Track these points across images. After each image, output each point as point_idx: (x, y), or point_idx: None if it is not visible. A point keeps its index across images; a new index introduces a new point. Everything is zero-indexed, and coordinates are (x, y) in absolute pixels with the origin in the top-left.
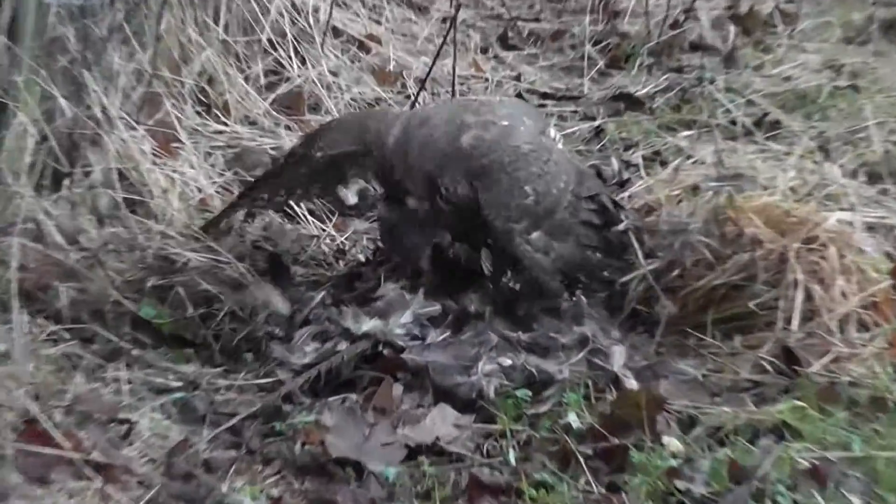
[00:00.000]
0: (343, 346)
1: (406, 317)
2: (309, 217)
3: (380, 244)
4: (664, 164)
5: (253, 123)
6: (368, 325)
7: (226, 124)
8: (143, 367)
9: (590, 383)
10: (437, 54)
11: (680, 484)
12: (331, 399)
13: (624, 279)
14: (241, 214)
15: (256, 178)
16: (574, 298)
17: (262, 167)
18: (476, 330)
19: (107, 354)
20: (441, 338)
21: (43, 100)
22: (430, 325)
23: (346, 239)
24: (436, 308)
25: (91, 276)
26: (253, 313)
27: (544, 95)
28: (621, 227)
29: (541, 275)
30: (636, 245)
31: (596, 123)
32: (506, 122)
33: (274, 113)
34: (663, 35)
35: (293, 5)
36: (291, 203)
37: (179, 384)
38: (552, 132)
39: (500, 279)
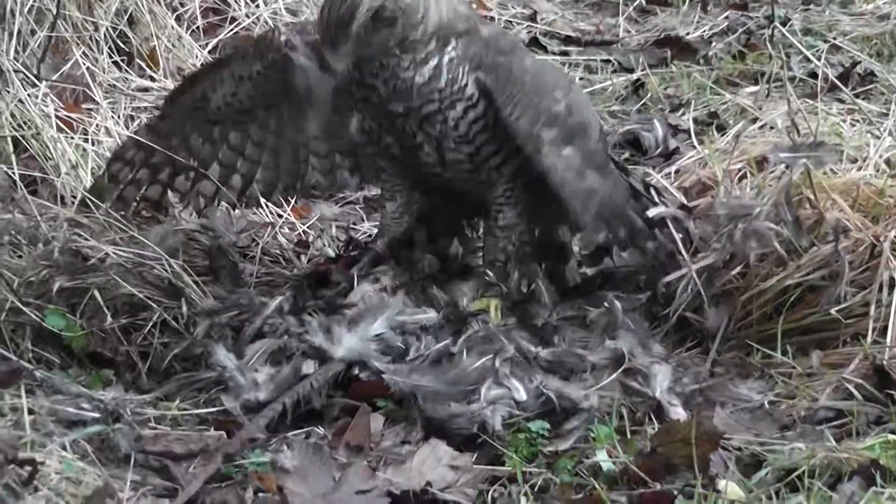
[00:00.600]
0: (308, 367)
1: (380, 325)
2: (261, 199)
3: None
4: (722, 129)
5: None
6: (347, 343)
7: (152, 79)
8: (50, 392)
9: (625, 412)
10: None
11: None
12: (291, 434)
13: (668, 279)
14: (154, 193)
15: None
16: (606, 304)
17: None
18: (486, 331)
19: (3, 377)
20: (434, 350)
21: None
22: (416, 335)
23: (309, 228)
24: (426, 315)
25: None
26: (190, 323)
27: (567, 40)
28: (653, 212)
29: (572, 197)
30: (676, 236)
31: (634, 76)
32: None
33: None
34: None
35: None
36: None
37: (96, 415)
38: None
39: (505, 268)
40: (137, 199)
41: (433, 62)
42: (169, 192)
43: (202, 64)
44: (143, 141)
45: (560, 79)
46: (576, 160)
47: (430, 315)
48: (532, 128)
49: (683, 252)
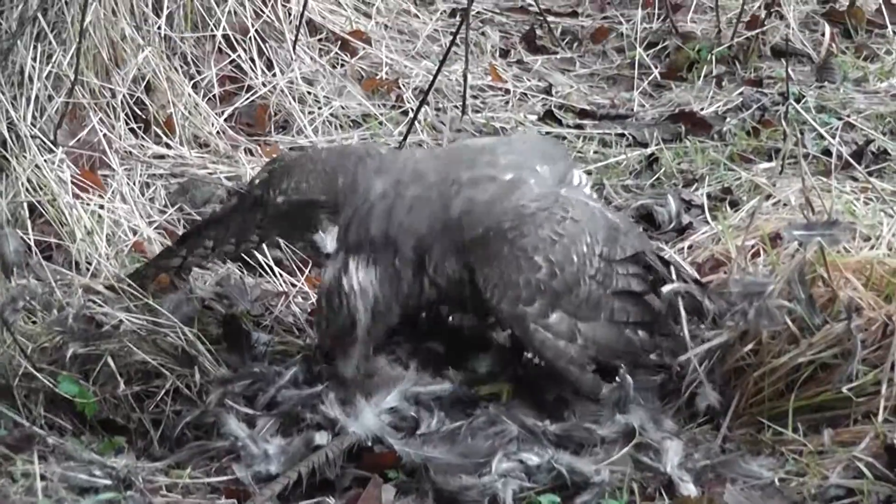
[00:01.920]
0: (320, 438)
1: (394, 398)
2: (275, 268)
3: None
4: (735, 205)
5: (203, 145)
6: (363, 417)
7: (168, 146)
8: (62, 458)
9: (636, 488)
10: (444, 58)
11: None
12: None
13: (682, 359)
14: (174, 260)
15: (199, 222)
16: (617, 379)
17: (215, 203)
18: (489, 416)
19: (15, 442)
20: (444, 428)
21: None
22: (429, 408)
23: None
24: (440, 386)
25: None
26: (203, 392)
27: (582, 114)
28: (667, 289)
29: (567, 367)
30: (683, 315)
31: (648, 151)
32: (509, 176)
33: (230, 132)
34: (737, 36)
35: None
36: (243, 251)
37: (108, 482)
38: (577, 177)
39: (520, 353)
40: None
41: (426, 281)
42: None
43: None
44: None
45: (541, 229)
46: (563, 324)
47: (444, 386)
48: (514, 308)
49: (685, 328)
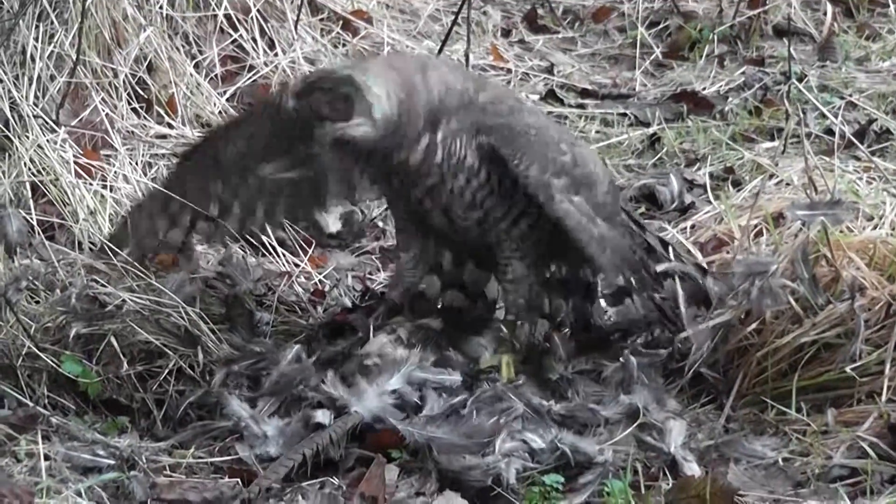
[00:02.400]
0: (321, 417)
1: (398, 380)
2: (278, 248)
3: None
4: (738, 184)
5: (206, 125)
6: (365, 397)
7: (170, 126)
8: (66, 438)
9: (639, 468)
10: (446, 38)
11: None
12: (306, 483)
13: (684, 335)
14: (175, 237)
15: (201, 138)
16: (621, 359)
17: None
18: (496, 391)
19: (19, 422)
20: (447, 405)
21: None
22: (434, 390)
23: (325, 277)
24: (448, 377)
25: None
26: (206, 371)
27: (584, 93)
28: (661, 267)
29: (589, 241)
30: (681, 294)
31: (651, 130)
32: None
33: (232, 112)
34: (739, 16)
35: None
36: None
37: (111, 461)
38: None
39: (517, 322)
40: (158, 244)
41: (424, 141)
42: (192, 235)
43: (214, 126)
44: (162, 190)
45: (563, 134)
46: (584, 208)
47: (453, 377)
48: (542, 175)
49: (683, 311)
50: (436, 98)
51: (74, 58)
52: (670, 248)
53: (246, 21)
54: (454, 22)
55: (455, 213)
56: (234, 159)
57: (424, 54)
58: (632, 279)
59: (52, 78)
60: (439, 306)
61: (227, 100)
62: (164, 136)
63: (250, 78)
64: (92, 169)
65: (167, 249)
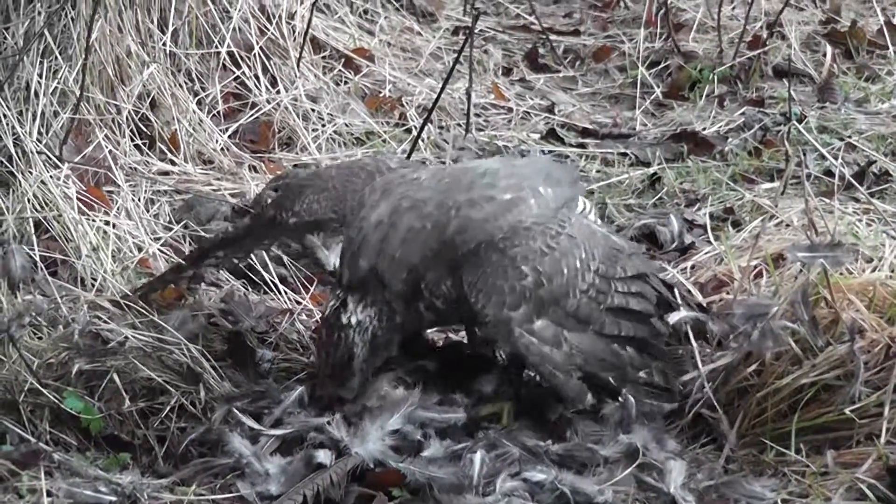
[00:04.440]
0: (322, 456)
1: (398, 420)
2: (280, 286)
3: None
4: (738, 225)
5: (208, 162)
6: (367, 439)
7: (173, 163)
8: (68, 474)
9: None
10: (448, 76)
11: None
12: None
13: (682, 379)
14: (184, 275)
15: (209, 242)
16: (620, 399)
17: (220, 219)
18: (490, 439)
19: (21, 458)
20: (448, 450)
21: None
22: (436, 432)
23: None
24: (452, 415)
25: (1, 358)
26: (208, 409)
27: (584, 132)
28: (673, 318)
29: (553, 372)
30: (693, 341)
31: (651, 170)
32: (508, 196)
33: (235, 149)
34: (739, 56)
35: (261, 9)
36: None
37: (113, 498)
38: (582, 203)
39: (521, 372)
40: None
41: (422, 305)
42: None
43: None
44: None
45: (533, 241)
46: (548, 331)
47: (458, 415)
48: (500, 312)
49: (696, 352)
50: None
51: (78, 94)
52: (675, 291)
53: (248, 58)
54: (456, 60)
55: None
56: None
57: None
58: (609, 378)
59: (56, 114)
60: (440, 346)
61: (230, 136)
62: (166, 173)
63: (252, 115)
64: (95, 205)
65: (172, 282)
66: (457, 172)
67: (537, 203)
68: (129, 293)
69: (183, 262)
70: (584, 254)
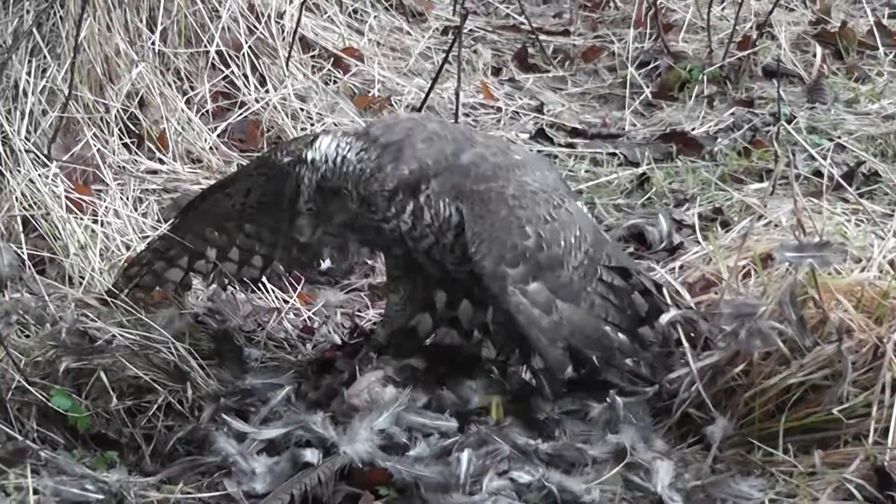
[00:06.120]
0: (309, 455)
1: (385, 420)
2: (267, 284)
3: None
4: (727, 225)
5: (196, 161)
6: (355, 439)
7: (161, 161)
8: (55, 472)
9: None
10: (437, 76)
11: None
12: None
13: (671, 376)
14: (174, 276)
15: (195, 197)
16: (608, 399)
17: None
18: (480, 435)
19: (8, 456)
20: (436, 448)
21: None
22: (424, 436)
23: (314, 314)
24: (444, 423)
25: None
26: (195, 407)
27: (573, 132)
28: (665, 318)
29: (538, 336)
30: (685, 341)
31: (640, 170)
32: (519, 157)
33: (223, 148)
34: (729, 57)
35: (250, 8)
36: (244, 265)
37: (100, 496)
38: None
39: (508, 364)
40: (156, 283)
41: (409, 207)
42: (190, 274)
43: (210, 185)
44: (170, 235)
45: (538, 206)
46: (542, 295)
47: (450, 424)
48: (497, 266)
49: (688, 351)
50: (405, 171)
51: (67, 93)
52: (664, 291)
53: (237, 57)
54: (445, 60)
55: (448, 266)
56: (230, 213)
57: (412, 117)
58: (593, 357)
59: (45, 112)
60: (428, 343)
61: (218, 135)
62: (155, 172)
63: (241, 114)
64: (83, 203)
65: (164, 282)
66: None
67: (542, 176)
68: (115, 285)
69: (174, 224)
70: (579, 232)
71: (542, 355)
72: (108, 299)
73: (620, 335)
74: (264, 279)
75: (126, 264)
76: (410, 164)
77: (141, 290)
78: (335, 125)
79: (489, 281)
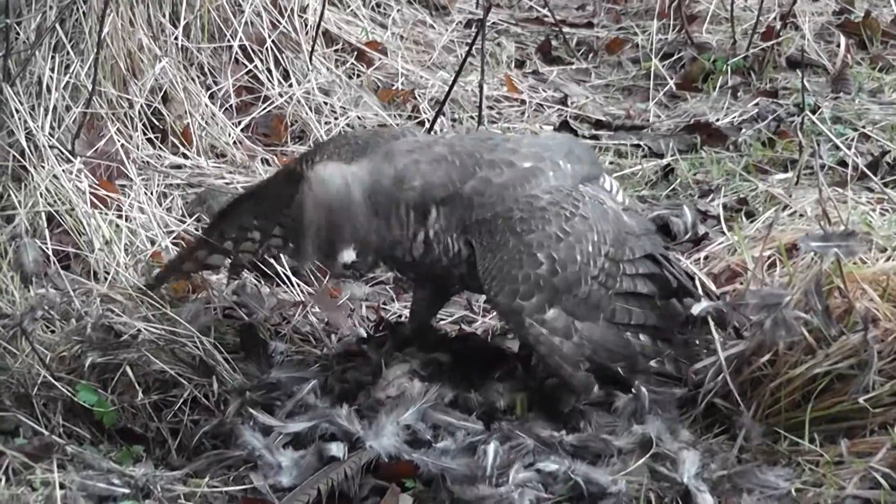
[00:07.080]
0: (335, 449)
1: (412, 416)
2: (292, 278)
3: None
4: (751, 216)
5: (220, 156)
6: (381, 433)
7: (185, 156)
8: (81, 467)
9: (652, 498)
10: (460, 69)
11: None
12: None
13: (695, 367)
14: (220, 268)
15: (228, 201)
16: (633, 390)
17: None
18: (504, 432)
19: (35, 451)
20: (462, 442)
21: None
22: (447, 432)
23: (340, 306)
24: (471, 424)
25: (14, 351)
26: (220, 401)
27: (597, 124)
28: (697, 310)
29: (560, 363)
30: (715, 332)
31: (664, 161)
32: (528, 164)
33: (247, 142)
34: (753, 47)
35: (273, 3)
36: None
37: (126, 490)
38: (609, 183)
39: (530, 362)
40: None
41: (420, 236)
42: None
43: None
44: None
45: (549, 225)
46: (560, 321)
47: (476, 426)
48: (511, 302)
49: (717, 340)
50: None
51: (90, 88)
52: (697, 283)
53: (261, 52)
54: (468, 53)
55: (469, 283)
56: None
57: (417, 139)
58: (618, 369)
59: (68, 108)
60: (454, 336)
61: (242, 130)
62: (179, 167)
63: (265, 108)
64: (107, 199)
65: (209, 268)
66: (481, 135)
67: (555, 176)
68: (144, 285)
69: (207, 227)
70: (597, 236)
71: (567, 381)
72: (134, 294)
73: (642, 337)
74: (289, 273)
75: (167, 263)
76: (417, 188)
77: (182, 277)
78: (359, 119)
79: (505, 316)
